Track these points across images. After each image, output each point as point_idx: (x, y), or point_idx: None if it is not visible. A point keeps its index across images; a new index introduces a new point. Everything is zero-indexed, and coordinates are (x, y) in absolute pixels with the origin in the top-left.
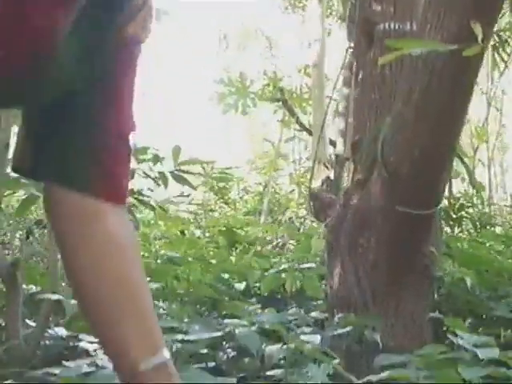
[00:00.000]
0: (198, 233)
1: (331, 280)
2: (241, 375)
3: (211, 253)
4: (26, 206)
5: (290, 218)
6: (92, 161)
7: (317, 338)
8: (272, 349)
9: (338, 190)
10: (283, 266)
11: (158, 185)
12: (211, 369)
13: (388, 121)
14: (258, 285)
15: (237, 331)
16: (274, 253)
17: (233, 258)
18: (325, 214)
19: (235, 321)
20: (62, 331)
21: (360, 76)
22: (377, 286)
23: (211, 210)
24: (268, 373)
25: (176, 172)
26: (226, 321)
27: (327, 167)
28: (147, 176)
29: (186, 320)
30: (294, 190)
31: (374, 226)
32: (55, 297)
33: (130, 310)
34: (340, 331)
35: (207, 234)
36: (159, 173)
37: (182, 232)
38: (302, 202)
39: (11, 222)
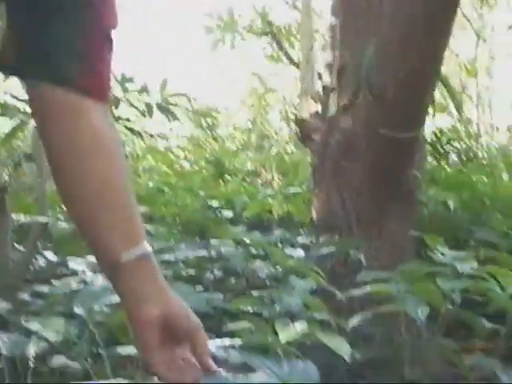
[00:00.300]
0: (186, 166)
1: (316, 204)
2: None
3: (199, 183)
4: (13, 134)
5: (278, 153)
6: (74, 56)
7: (301, 253)
8: (257, 265)
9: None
10: (270, 192)
11: (144, 115)
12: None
13: (373, 44)
14: (246, 214)
15: (223, 250)
16: (262, 185)
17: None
18: (310, 139)
19: (221, 241)
20: (50, 255)
21: (346, 3)
22: (361, 209)
23: (200, 146)
24: (253, 292)
25: (162, 104)
26: (213, 241)
27: (315, 101)
28: (133, 106)
29: (172, 242)
30: (282, 127)
31: (359, 151)
32: (43, 219)
33: (112, 203)
34: (324, 251)
35: (196, 168)
36: (145, 104)
37: (171, 165)
38: (290, 139)
39: None
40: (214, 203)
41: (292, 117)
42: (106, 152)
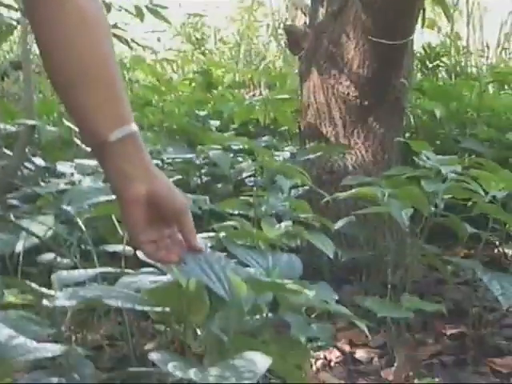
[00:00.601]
0: (175, 78)
1: (303, 112)
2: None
3: (187, 93)
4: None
5: (268, 67)
6: None
7: (287, 154)
8: (243, 166)
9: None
10: (257, 97)
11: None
12: None
13: None
14: (233, 125)
15: (210, 154)
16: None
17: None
18: (299, 46)
19: (209, 146)
20: (39, 160)
21: None
22: (347, 117)
23: (188, 60)
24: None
25: (151, 6)
26: (200, 147)
27: (304, 13)
28: (122, 9)
29: (160, 146)
30: (270, 41)
31: (346, 58)
32: (31, 122)
33: (100, 83)
34: (310, 156)
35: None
36: (135, 6)
37: (160, 77)
38: (278, 55)
39: None
40: (202, 113)
41: (280, 31)
42: (92, 33)
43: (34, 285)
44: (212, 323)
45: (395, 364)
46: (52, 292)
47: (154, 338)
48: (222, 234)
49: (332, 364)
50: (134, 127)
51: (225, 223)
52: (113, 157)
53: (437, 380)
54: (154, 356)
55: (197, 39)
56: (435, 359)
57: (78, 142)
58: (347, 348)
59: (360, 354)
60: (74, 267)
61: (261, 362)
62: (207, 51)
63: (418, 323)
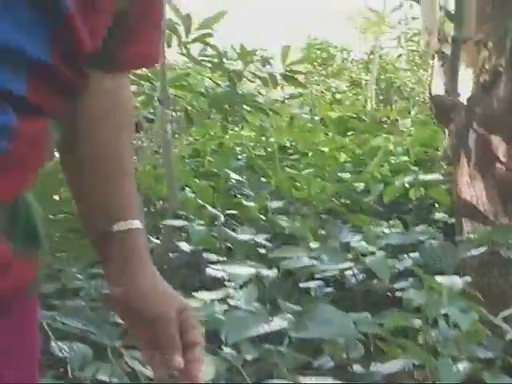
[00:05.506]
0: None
1: (458, 187)
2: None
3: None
4: None
5: (399, 88)
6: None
7: (456, 282)
8: (410, 292)
9: (454, 75)
10: (407, 179)
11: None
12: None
13: None
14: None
15: (367, 260)
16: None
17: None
18: (447, 117)
19: (363, 244)
20: (184, 246)
21: None
22: (508, 195)
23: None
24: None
25: (286, 73)
26: (353, 244)
27: (439, 39)
28: (256, 76)
29: (312, 245)
30: (401, 55)
31: (502, 134)
32: (179, 223)
33: (115, 177)
34: (474, 252)
35: (317, 118)
36: (268, 74)
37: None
38: (408, 68)
39: None
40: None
41: (417, 60)
42: (120, 129)
43: None
44: None
45: None
46: None
47: None
48: None
49: None
50: (140, 225)
51: None
52: (110, 247)
53: None
54: None
55: (323, 59)
56: None
57: None
58: None
59: None
60: None
61: None
62: (335, 70)
63: None
